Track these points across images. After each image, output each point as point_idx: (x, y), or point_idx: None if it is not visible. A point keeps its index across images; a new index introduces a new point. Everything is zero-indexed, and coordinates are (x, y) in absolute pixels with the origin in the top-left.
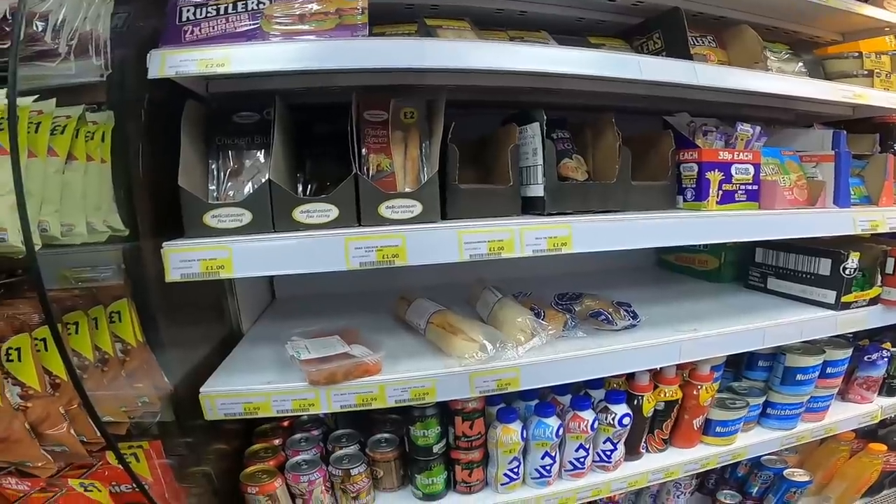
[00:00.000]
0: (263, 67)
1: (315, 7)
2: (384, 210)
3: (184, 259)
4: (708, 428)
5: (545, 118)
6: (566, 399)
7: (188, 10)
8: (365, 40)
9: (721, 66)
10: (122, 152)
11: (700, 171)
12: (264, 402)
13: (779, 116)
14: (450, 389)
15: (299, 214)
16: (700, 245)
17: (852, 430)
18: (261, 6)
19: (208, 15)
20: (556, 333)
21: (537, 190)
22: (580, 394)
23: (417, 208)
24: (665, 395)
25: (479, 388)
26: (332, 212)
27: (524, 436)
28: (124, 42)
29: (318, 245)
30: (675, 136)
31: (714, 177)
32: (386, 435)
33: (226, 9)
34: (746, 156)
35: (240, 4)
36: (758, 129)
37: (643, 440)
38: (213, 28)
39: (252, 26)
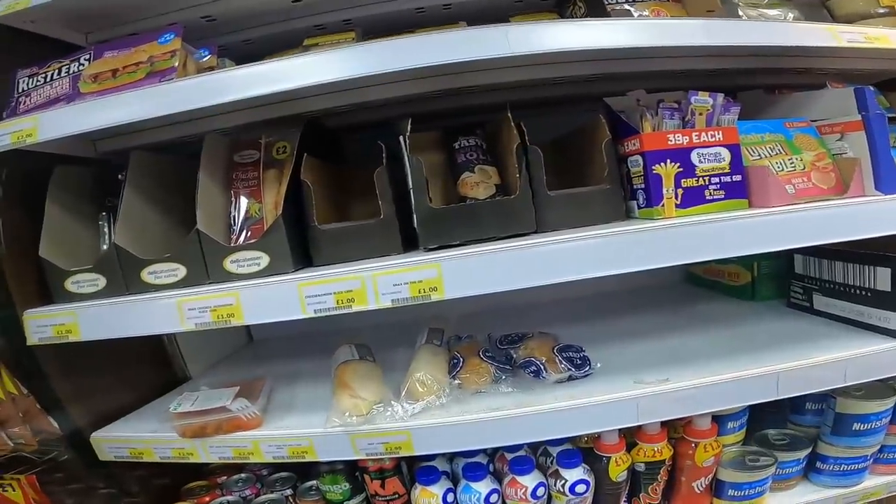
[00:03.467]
0: (71, 131)
1: (130, 59)
2: (229, 265)
3: (40, 325)
4: (719, 490)
5: (409, 128)
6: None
7: (23, 82)
8: (158, 86)
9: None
10: None
11: (646, 165)
12: (146, 449)
13: (790, 81)
14: (330, 450)
15: (147, 276)
16: None
17: None
18: (81, 69)
19: (37, 84)
20: (475, 388)
21: (415, 220)
22: (525, 452)
23: (264, 260)
24: (646, 455)
25: (365, 450)
26: (180, 270)
27: (448, 500)
28: None
29: (154, 307)
30: (616, 121)
31: (666, 171)
32: (316, 483)
33: (51, 76)
34: (713, 135)
35: (63, 69)
36: (720, 97)
37: None
38: (40, 96)
39: (70, 90)
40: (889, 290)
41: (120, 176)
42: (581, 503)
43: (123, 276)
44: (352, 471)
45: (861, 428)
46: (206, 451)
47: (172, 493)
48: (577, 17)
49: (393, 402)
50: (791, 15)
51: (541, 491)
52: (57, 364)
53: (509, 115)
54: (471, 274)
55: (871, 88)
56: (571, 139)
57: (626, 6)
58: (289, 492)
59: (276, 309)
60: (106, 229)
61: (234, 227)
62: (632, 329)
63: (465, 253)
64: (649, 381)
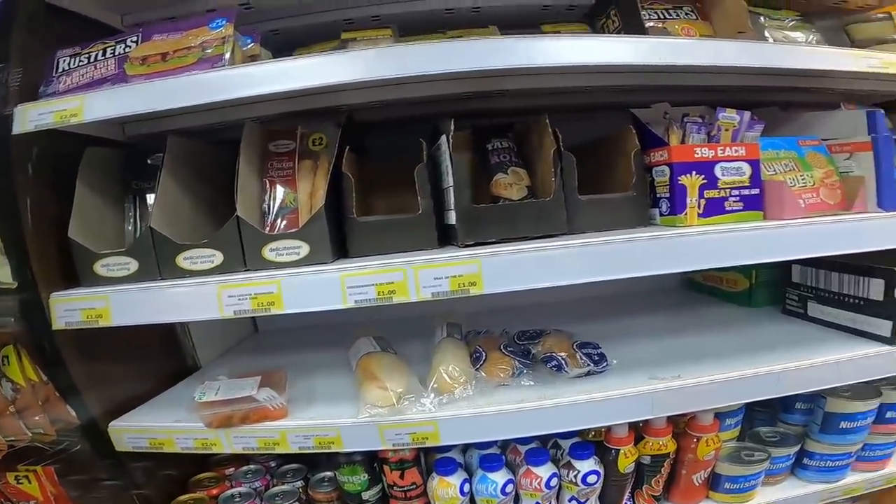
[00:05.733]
0: (118, 113)
1: (180, 43)
2: (268, 253)
3: (68, 308)
4: (715, 483)
5: (452, 128)
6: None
7: (64, 61)
8: (202, 74)
9: (658, 38)
10: (9, 207)
11: (672, 176)
12: (167, 439)
13: (804, 99)
14: (358, 440)
15: (183, 261)
16: None
17: None
18: (127, 50)
19: (80, 64)
20: (498, 381)
21: (452, 217)
22: (536, 445)
23: (304, 249)
24: (652, 448)
25: (392, 440)
26: (217, 257)
27: (465, 490)
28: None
29: (192, 293)
30: (644, 132)
31: (691, 181)
32: (329, 474)
33: (95, 56)
34: (737, 150)
35: (108, 50)
36: (746, 115)
37: (626, 497)
38: (83, 77)
39: (116, 71)
40: (881, 299)
41: (149, 160)
42: (591, 493)
43: (157, 261)
44: (370, 462)
45: (848, 426)
46: (230, 442)
47: (178, 485)
48: (609, 30)
49: (422, 394)
50: (814, 38)
51: (554, 481)
52: (74, 351)
53: (547, 121)
54: (508, 271)
55: (882, 111)
56: (598, 146)
57: (661, 24)
58: (300, 483)
59: (317, 298)
60: (132, 213)
61: (269, 216)
62: (638, 329)
63: (504, 250)
64: (663, 377)
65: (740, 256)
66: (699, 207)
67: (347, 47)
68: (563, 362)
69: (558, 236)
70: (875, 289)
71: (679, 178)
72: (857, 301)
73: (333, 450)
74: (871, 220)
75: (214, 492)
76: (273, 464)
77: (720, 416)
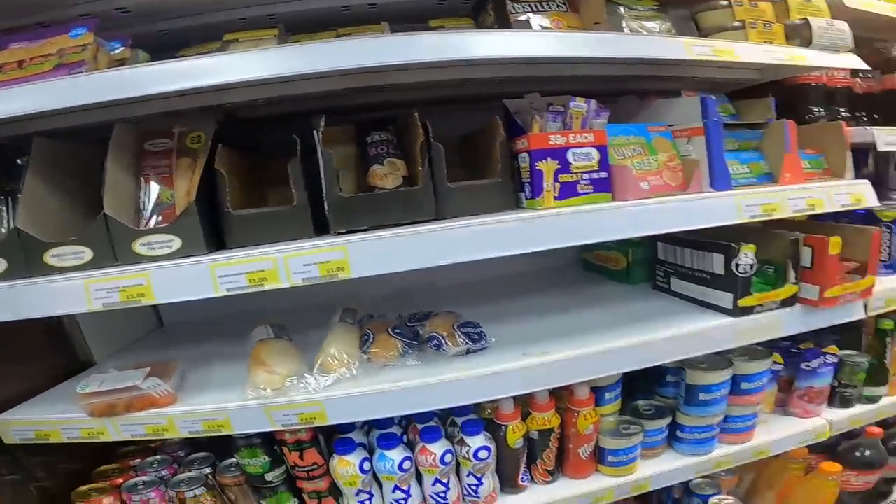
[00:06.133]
0: None
1: (39, 51)
2: (139, 247)
3: None
4: (601, 456)
5: (322, 125)
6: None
7: None
8: (64, 79)
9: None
10: None
11: (531, 162)
12: (53, 430)
13: (667, 87)
14: (247, 422)
15: (51, 258)
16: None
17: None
18: None
19: None
20: (384, 362)
21: (326, 207)
22: (434, 423)
23: (176, 243)
24: (538, 424)
25: (281, 421)
26: (86, 253)
27: (365, 468)
28: None
29: (58, 289)
30: (511, 122)
31: (547, 167)
32: (235, 460)
33: None
34: (586, 137)
35: None
36: (593, 103)
37: (522, 471)
38: None
39: None
40: (723, 273)
41: (20, 161)
42: (485, 468)
43: (25, 260)
44: (270, 444)
45: (706, 398)
46: (118, 429)
47: (83, 479)
48: (486, 25)
49: (306, 376)
50: (666, 27)
51: (448, 457)
52: None
53: (416, 115)
54: (375, 255)
55: (713, 98)
56: (476, 136)
57: (528, 16)
58: (208, 470)
59: (188, 289)
60: (4, 214)
61: (144, 213)
62: (526, 308)
63: (369, 237)
64: (535, 354)
65: (589, 235)
66: (555, 191)
67: (229, 48)
68: (442, 342)
69: (428, 222)
70: (717, 263)
71: (536, 163)
72: (704, 275)
73: (224, 433)
74: (704, 199)
75: (119, 481)
76: (181, 454)
77: (599, 390)
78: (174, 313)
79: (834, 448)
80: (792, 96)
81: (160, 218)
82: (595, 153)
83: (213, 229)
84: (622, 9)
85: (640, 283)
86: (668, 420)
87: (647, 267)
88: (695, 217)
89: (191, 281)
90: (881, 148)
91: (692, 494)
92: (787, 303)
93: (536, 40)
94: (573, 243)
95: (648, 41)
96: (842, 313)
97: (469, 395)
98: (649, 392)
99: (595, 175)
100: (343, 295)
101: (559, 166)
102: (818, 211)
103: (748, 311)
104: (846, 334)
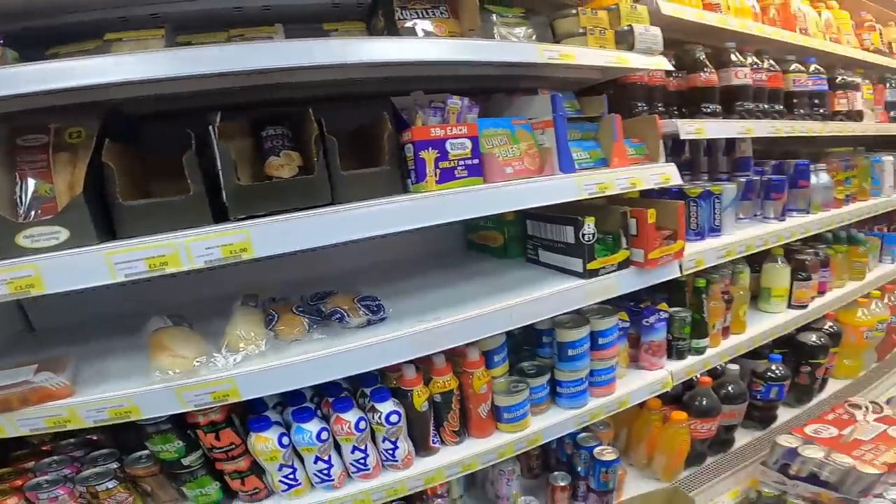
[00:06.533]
0: None
1: None
2: (23, 240)
3: None
4: (498, 415)
5: (218, 121)
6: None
7: None
8: None
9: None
10: None
11: (415, 151)
12: None
13: (525, 85)
14: (157, 406)
15: None
16: (487, 221)
17: (657, 398)
18: None
19: None
20: (292, 337)
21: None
22: (345, 396)
23: (63, 234)
24: (439, 387)
25: (193, 401)
26: None
27: (283, 442)
28: None
29: None
30: (398, 117)
31: (428, 155)
32: (146, 452)
33: None
34: (460, 129)
35: None
36: (465, 100)
37: (432, 434)
38: None
39: None
40: (574, 242)
41: None
42: (397, 431)
43: None
44: (183, 429)
45: (573, 353)
46: (15, 425)
47: None
48: (377, 29)
49: (215, 355)
50: (529, 32)
51: (363, 424)
52: None
53: (310, 111)
54: (277, 236)
55: (560, 95)
56: (368, 129)
57: (414, 22)
58: (114, 465)
59: (82, 277)
60: None
61: (21, 207)
62: (419, 286)
63: (270, 220)
64: (427, 321)
65: (465, 212)
66: (436, 176)
67: (111, 48)
68: (345, 314)
69: (324, 206)
70: (569, 234)
71: (420, 153)
72: (561, 245)
73: (133, 418)
74: (554, 180)
75: (19, 483)
76: (79, 453)
77: (489, 353)
78: (46, 316)
79: (681, 399)
80: (624, 93)
81: (39, 212)
82: (468, 143)
83: (103, 221)
84: (494, 16)
85: (517, 257)
86: (548, 376)
87: (521, 242)
88: (548, 195)
89: (85, 269)
90: (682, 136)
91: (580, 447)
92: (622, 265)
93: (416, 46)
94: (452, 219)
95: (511, 46)
96: (663, 272)
97: (375, 360)
98: (532, 355)
99: (469, 162)
100: (243, 289)
101: (438, 154)
102: (639, 188)
103: (594, 273)
104: (674, 294)
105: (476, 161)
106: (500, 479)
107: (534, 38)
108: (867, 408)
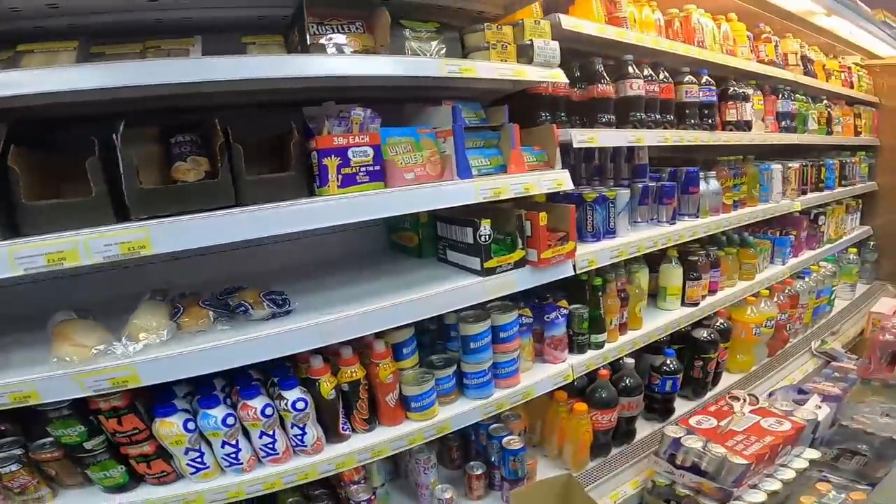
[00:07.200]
0: None
1: None
2: None
3: None
4: (407, 405)
5: (121, 128)
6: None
7: None
8: None
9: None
10: None
11: (319, 158)
12: None
13: (445, 95)
14: (56, 391)
15: None
16: (404, 222)
17: (563, 390)
18: None
19: None
20: (196, 329)
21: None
22: (254, 384)
23: None
24: (346, 377)
25: (92, 387)
26: None
27: (189, 427)
28: None
29: None
30: (305, 126)
31: (331, 162)
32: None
33: None
34: (363, 138)
35: None
36: (368, 111)
37: (342, 422)
38: None
39: None
40: (472, 242)
41: None
42: (305, 418)
43: None
44: (85, 415)
45: (475, 346)
46: None
47: None
48: (293, 44)
49: (115, 343)
50: (441, 47)
51: (269, 410)
52: None
53: (216, 121)
54: (176, 234)
55: (460, 105)
56: (280, 137)
57: (331, 37)
58: (19, 451)
59: None
60: None
61: None
62: (334, 283)
63: (170, 220)
64: (332, 314)
65: (365, 213)
66: (338, 181)
67: (22, 60)
68: (249, 307)
69: (228, 208)
70: (468, 235)
71: (323, 160)
72: (463, 245)
73: (32, 403)
74: (452, 185)
75: None
76: None
77: (397, 346)
78: None
79: (584, 391)
80: (531, 103)
81: None
82: (370, 151)
83: (7, 221)
84: (407, 31)
85: (430, 257)
86: (454, 368)
87: (433, 242)
88: (446, 198)
89: None
90: (576, 145)
91: (491, 437)
92: (518, 264)
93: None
94: (350, 220)
95: (414, 61)
96: (557, 271)
97: (275, 349)
98: (442, 349)
99: (370, 168)
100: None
101: (341, 161)
102: (532, 193)
103: (492, 271)
104: (574, 291)
105: (378, 167)
106: (417, 468)
107: (443, 52)
108: (745, 399)
